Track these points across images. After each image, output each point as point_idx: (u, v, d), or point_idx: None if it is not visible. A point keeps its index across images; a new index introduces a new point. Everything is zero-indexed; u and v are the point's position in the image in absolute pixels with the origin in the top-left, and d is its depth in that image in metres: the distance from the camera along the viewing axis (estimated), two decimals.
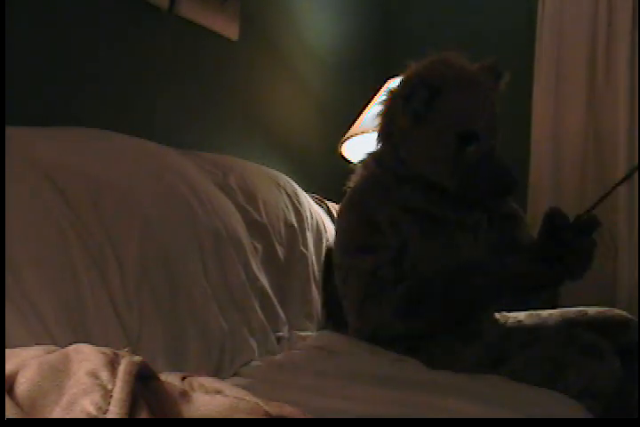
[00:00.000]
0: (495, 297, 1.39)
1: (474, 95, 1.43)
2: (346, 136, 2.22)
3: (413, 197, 1.46)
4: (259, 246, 1.53)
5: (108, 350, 0.50)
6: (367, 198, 1.47)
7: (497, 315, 1.58)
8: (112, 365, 0.48)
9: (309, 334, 1.56)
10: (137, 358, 0.50)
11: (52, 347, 0.55)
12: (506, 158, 1.45)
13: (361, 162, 1.59)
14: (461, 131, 1.40)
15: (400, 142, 1.47)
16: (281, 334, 1.48)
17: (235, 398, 0.48)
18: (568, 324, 1.48)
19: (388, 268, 1.39)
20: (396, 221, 1.43)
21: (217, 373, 1.19)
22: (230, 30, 1.89)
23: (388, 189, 1.47)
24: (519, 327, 1.40)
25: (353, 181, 1.58)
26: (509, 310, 1.62)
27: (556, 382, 1.24)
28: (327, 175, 2.39)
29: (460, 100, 1.42)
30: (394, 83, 2.26)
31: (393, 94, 1.50)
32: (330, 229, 1.89)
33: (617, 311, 1.58)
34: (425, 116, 1.42)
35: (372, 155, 1.57)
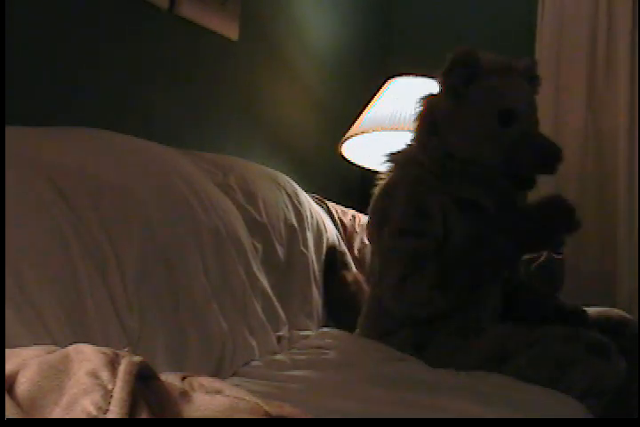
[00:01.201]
0: (515, 253, 1.44)
1: (511, 77, 1.47)
2: (346, 136, 2.22)
3: (462, 189, 1.45)
4: (259, 246, 1.53)
5: (108, 350, 0.50)
6: (417, 183, 1.46)
7: None
8: (112, 365, 0.48)
9: (309, 333, 1.56)
10: (137, 358, 0.50)
11: (52, 347, 0.55)
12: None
13: (390, 162, 1.57)
14: (502, 109, 1.42)
15: (445, 128, 1.47)
16: (281, 333, 1.48)
17: (235, 398, 0.48)
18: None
19: (429, 250, 1.40)
20: (445, 210, 1.43)
21: (217, 373, 1.19)
22: (230, 30, 1.89)
23: (437, 179, 1.47)
24: (522, 325, 1.40)
25: (394, 170, 1.55)
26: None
27: (560, 381, 1.23)
28: (327, 175, 2.39)
29: (497, 80, 1.45)
30: (393, 82, 2.27)
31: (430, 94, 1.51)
32: (330, 229, 1.89)
33: (617, 311, 1.58)
34: (466, 96, 1.43)
35: (411, 146, 1.55)
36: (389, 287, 1.43)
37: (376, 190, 1.54)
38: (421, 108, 1.52)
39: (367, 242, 1.76)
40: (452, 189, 1.45)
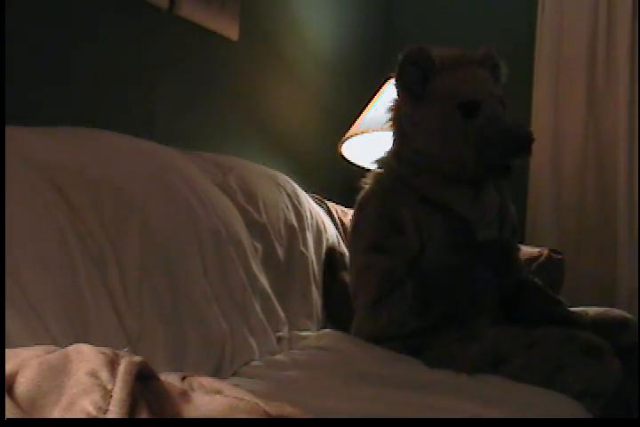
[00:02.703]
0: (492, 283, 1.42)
1: (467, 69, 1.45)
2: (346, 136, 2.22)
3: (432, 188, 1.45)
4: (259, 246, 1.53)
5: (108, 350, 0.50)
6: (389, 196, 1.46)
7: None
8: (112, 365, 0.48)
9: (309, 333, 1.56)
10: (137, 358, 0.50)
11: (52, 347, 0.55)
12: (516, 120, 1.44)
13: (377, 162, 1.58)
14: (462, 102, 1.41)
15: (410, 131, 1.47)
16: (281, 334, 1.48)
17: (235, 398, 0.48)
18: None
19: (404, 269, 1.39)
20: (418, 217, 1.42)
21: (217, 373, 1.19)
22: (230, 30, 1.89)
23: (407, 183, 1.46)
24: (518, 327, 1.39)
25: (369, 180, 1.55)
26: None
27: (555, 384, 1.23)
28: (327, 175, 2.39)
29: (454, 74, 1.43)
30: (392, 83, 2.27)
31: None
32: (330, 229, 1.89)
33: (617, 311, 1.58)
34: (424, 96, 1.43)
35: (388, 153, 1.55)
36: (363, 307, 1.45)
37: (356, 202, 1.55)
38: (390, 113, 1.52)
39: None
40: (425, 191, 1.45)
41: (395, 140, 1.53)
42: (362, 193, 1.54)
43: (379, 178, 1.52)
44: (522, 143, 1.38)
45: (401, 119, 1.49)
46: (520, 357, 1.29)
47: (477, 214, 1.46)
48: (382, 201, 1.47)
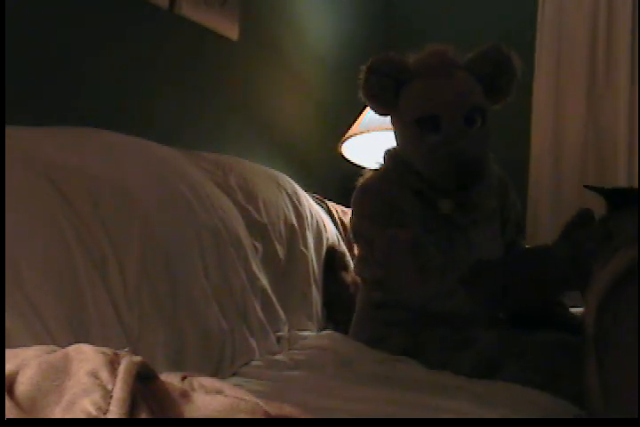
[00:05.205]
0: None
1: (439, 79, 1.40)
2: (346, 136, 2.22)
3: (419, 184, 1.44)
4: (259, 246, 1.53)
5: (108, 350, 0.50)
6: (390, 184, 1.45)
7: None
8: (112, 365, 0.48)
9: (309, 333, 1.56)
10: (137, 358, 0.50)
11: (52, 347, 0.55)
12: (476, 147, 1.36)
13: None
14: (420, 117, 1.38)
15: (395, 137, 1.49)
16: (281, 334, 1.48)
17: (235, 398, 0.48)
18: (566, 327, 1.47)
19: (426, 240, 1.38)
20: (413, 205, 1.42)
21: (217, 373, 1.19)
22: (230, 30, 1.89)
23: (401, 174, 1.45)
24: (513, 334, 1.38)
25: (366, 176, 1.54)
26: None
27: (549, 391, 1.22)
28: (327, 175, 2.39)
29: (420, 86, 1.40)
30: None
31: None
32: (330, 229, 1.89)
33: None
34: (397, 104, 1.42)
35: (387, 151, 1.55)
36: (406, 279, 1.38)
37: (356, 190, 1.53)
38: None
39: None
40: (411, 181, 1.43)
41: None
42: (361, 181, 1.51)
43: (375, 173, 1.52)
44: (462, 174, 1.34)
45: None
46: (513, 366, 1.28)
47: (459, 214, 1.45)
48: (385, 186, 1.45)
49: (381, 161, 1.53)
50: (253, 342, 1.34)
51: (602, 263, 0.99)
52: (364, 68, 1.44)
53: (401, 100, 1.42)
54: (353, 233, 1.53)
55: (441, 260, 1.37)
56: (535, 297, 1.40)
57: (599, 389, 0.94)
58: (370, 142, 2.25)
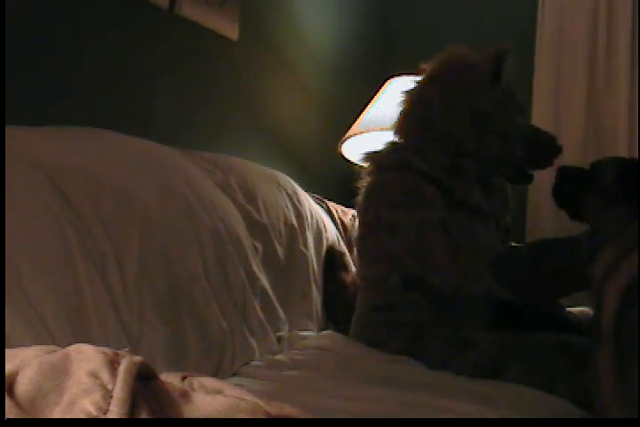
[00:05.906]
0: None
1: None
2: (346, 136, 2.22)
3: (454, 187, 1.45)
4: (259, 246, 1.53)
5: (108, 350, 0.50)
6: (401, 176, 1.46)
7: None
8: (112, 365, 0.48)
9: (309, 333, 1.56)
10: (137, 358, 0.50)
11: (52, 347, 0.55)
12: None
13: (371, 163, 1.56)
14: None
15: (442, 123, 1.45)
16: (281, 334, 1.48)
17: (235, 398, 0.48)
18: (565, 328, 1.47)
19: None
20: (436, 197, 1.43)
21: (217, 373, 1.19)
22: (230, 30, 1.89)
23: (412, 165, 1.46)
24: (514, 335, 1.38)
25: (371, 181, 1.53)
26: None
27: (550, 393, 1.21)
28: (327, 175, 2.39)
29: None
30: (393, 82, 2.27)
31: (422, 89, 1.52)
32: (330, 229, 1.88)
33: None
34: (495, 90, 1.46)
35: (390, 157, 1.52)
36: (439, 259, 1.39)
37: (361, 194, 1.52)
38: (405, 105, 1.50)
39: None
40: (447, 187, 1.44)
41: (414, 135, 1.53)
42: (370, 183, 1.51)
43: (390, 171, 1.50)
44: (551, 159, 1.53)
45: (428, 111, 1.50)
46: (512, 369, 1.28)
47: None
48: (401, 177, 1.46)
49: (377, 161, 1.54)
50: (253, 342, 1.34)
51: (621, 253, 0.99)
52: (496, 53, 1.45)
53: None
54: (365, 225, 1.52)
55: (469, 243, 1.38)
56: (562, 285, 1.39)
57: (612, 377, 0.92)
58: (370, 142, 2.25)
